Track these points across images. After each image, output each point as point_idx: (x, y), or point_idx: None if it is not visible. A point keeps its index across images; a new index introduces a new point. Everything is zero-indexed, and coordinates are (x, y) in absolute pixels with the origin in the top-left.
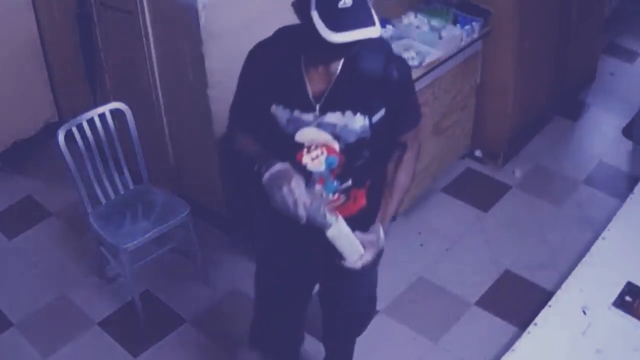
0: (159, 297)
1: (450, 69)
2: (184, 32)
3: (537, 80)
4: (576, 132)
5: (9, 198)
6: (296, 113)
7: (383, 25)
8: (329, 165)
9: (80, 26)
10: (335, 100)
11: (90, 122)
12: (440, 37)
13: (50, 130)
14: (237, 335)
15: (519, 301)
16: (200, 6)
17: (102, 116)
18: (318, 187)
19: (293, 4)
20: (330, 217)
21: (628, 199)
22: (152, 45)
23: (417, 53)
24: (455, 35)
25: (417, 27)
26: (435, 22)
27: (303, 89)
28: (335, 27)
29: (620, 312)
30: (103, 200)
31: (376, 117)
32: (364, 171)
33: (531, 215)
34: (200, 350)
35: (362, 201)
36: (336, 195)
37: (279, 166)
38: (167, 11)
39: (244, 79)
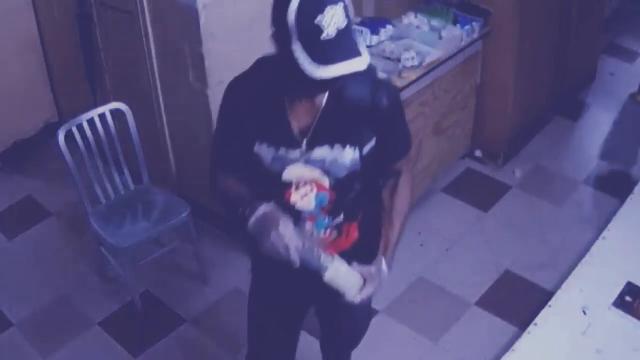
0: (159, 297)
1: (450, 69)
2: (184, 32)
3: (537, 80)
4: (576, 132)
5: (9, 198)
6: (281, 151)
7: (383, 25)
8: (319, 202)
9: (80, 26)
10: (323, 134)
11: (90, 122)
12: (440, 37)
13: (50, 130)
14: (237, 335)
15: (519, 301)
16: (200, 6)
17: (102, 116)
18: (308, 225)
19: (273, 35)
20: (325, 259)
21: (628, 199)
22: (152, 45)
23: (417, 53)
24: (455, 35)
25: (417, 27)
26: (435, 22)
27: (287, 125)
28: (319, 61)
29: (620, 312)
30: (103, 200)
31: (367, 148)
32: (356, 204)
33: (531, 215)
34: (200, 350)
35: (355, 234)
36: (328, 232)
37: (263, 208)
38: (167, 11)
39: (223, 117)
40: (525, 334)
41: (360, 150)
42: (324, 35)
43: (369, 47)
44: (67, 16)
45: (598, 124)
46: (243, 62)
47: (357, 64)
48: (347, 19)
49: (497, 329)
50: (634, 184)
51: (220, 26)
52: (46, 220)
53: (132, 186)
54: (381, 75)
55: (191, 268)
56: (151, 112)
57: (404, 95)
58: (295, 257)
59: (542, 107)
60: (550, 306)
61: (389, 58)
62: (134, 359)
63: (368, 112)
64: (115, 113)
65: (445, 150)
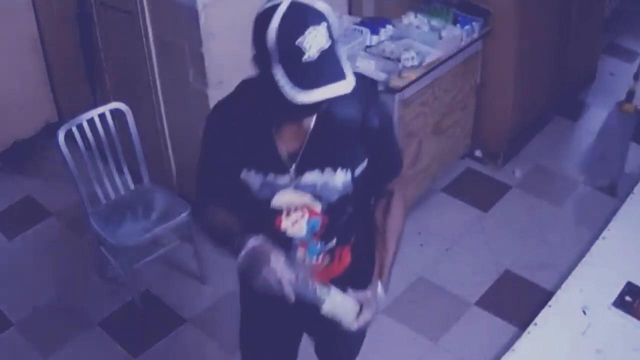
0: (159, 297)
1: (450, 69)
2: (184, 32)
3: (537, 80)
4: (576, 132)
5: (9, 198)
6: (270, 177)
7: (383, 25)
8: (311, 228)
9: (80, 26)
10: (312, 158)
11: (90, 122)
12: (440, 37)
13: (50, 130)
14: (237, 335)
15: (519, 301)
16: (200, 6)
17: (102, 116)
18: (301, 251)
19: (254, 58)
20: (321, 291)
21: (628, 199)
22: (152, 45)
23: (417, 53)
24: (455, 35)
25: (417, 27)
26: (435, 22)
27: (274, 150)
28: (301, 85)
29: (620, 312)
30: (103, 200)
31: (359, 170)
32: (348, 227)
33: (531, 215)
34: (200, 350)
35: (348, 259)
36: (320, 258)
37: (252, 242)
38: (167, 11)
39: (207, 144)
40: (525, 334)
41: (352, 173)
42: (305, 57)
43: (368, 47)
44: (67, 16)
45: (598, 124)
46: (243, 62)
47: (340, 88)
48: (330, 40)
49: (497, 329)
50: (634, 183)
51: (220, 26)
52: (46, 220)
53: (132, 186)
54: (380, 75)
55: (191, 268)
56: (151, 112)
57: (404, 95)
58: (289, 291)
59: (542, 107)
60: (550, 306)
61: (389, 58)
62: (134, 359)
63: (359, 133)
64: (115, 113)
65: (445, 150)
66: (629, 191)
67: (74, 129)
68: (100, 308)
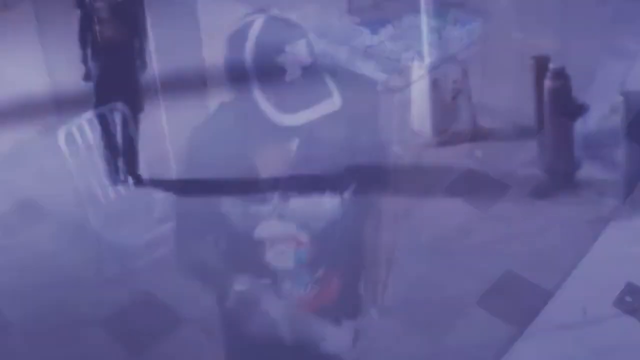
0: (159, 297)
1: (450, 69)
2: (184, 33)
3: (537, 80)
4: (576, 132)
5: (9, 198)
6: (251, 206)
7: (383, 25)
8: (298, 259)
9: (80, 26)
10: (296, 184)
11: (90, 122)
12: (440, 37)
13: (50, 130)
14: None
15: (519, 301)
16: (200, 6)
17: (102, 116)
18: (288, 284)
19: (230, 81)
20: (321, 329)
21: (628, 199)
22: (152, 46)
23: (417, 53)
24: (455, 35)
25: (417, 27)
26: (435, 22)
27: (255, 177)
28: (285, 107)
29: (620, 312)
30: (103, 201)
31: (347, 193)
32: (337, 254)
33: (531, 215)
34: (200, 350)
35: (337, 286)
36: (309, 288)
37: (239, 286)
38: (167, 11)
39: (186, 172)
40: (525, 334)
41: (341, 196)
42: (287, 76)
43: (368, 47)
44: (67, 16)
45: (597, 124)
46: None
47: (327, 107)
48: (312, 57)
49: (497, 329)
50: (634, 184)
51: (221, 26)
52: (46, 220)
53: (132, 186)
54: (380, 75)
55: None
56: (151, 112)
57: (404, 95)
58: (287, 333)
59: (542, 107)
60: (550, 306)
61: (389, 58)
62: (134, 359)
63: (346, 154)
64: (115, 113)
65: (445, 150)
66: (627, 191)
67: (74, 129)
68: (100, 308)
